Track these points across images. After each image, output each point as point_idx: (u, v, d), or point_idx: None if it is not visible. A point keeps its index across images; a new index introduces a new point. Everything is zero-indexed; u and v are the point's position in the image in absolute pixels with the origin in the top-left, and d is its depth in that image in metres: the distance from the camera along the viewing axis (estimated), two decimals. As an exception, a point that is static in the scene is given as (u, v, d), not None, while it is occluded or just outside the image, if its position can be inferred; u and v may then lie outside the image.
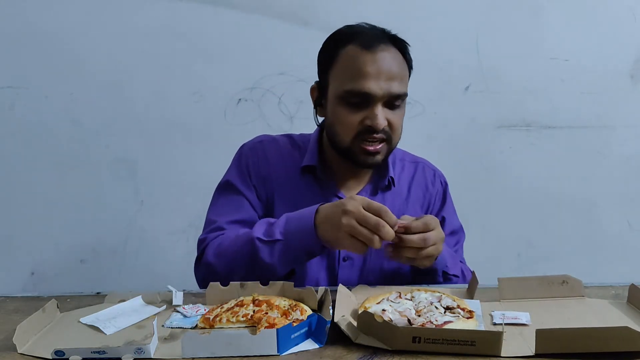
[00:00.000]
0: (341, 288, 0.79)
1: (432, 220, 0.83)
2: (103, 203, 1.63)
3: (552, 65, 1.64)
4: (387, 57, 0.91)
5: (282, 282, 0.80)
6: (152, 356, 0.63)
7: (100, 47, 1.58)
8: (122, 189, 1.63)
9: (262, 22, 1.59)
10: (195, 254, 1.01)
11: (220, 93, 1.62)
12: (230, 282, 0.81)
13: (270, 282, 0.80)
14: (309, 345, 0.65)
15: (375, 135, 0.92)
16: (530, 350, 0.61)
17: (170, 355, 0.63)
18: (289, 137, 1.10)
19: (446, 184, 1.13)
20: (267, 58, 1.61)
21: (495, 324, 0.72)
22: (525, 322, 0.70)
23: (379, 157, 0.95)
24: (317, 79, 1.02)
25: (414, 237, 0.81)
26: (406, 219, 0.83)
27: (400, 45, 0.95)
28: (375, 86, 0.89)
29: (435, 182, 1.11)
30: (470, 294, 0.82)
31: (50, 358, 0.62)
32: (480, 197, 1.66)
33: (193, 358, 0.62)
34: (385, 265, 1.01)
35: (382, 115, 0.91)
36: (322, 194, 1.00)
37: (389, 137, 0.95)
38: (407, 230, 0.81)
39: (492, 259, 1.67)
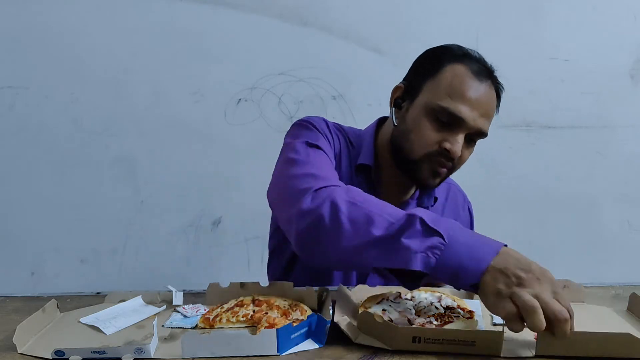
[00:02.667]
0: (341, 288, 0.79)
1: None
2: (103, 203, 1.63)
3: (552, 65, 1.65)
4: (489, 94, 0.88)
5: (282, 282, 0.80)
6: (152, 356, 0.62)
7: (100, 47, 1.58)
8: (122, 189, 1.63)
9: (262, 22, 1.59)
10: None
11: (220, 93, 1.62)
12: (230, 282, 0.81)
13: (270, 282, 0.80)
14: (309, 345, 0.65)
15: (446, 161, 0.89)
16: (531, 351, 0.61)
17: (170, 355, 0.63)
18: (341, 126, 1.01)
19: (472, 212, 1.13)
20: (267, 58, 1.61)
21: (495, 324, 0.72)
22: None
23: (438, 181, 0.92)
24: (404, 81, 0.96)
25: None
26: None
27: (498, 89, 0.92)
28: (470, 115, 0.86)
29: (464, 207, 1.11)
30: (470, 294, 0.82)
31: (50, 358, 0.62)
32: (480, 197, 1.66)
33: (193, 358, 0.62)
34: None
35: (461, 145, 0.87)
36: None
37: (453, 169, 0.92)
38: None
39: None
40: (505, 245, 0.66)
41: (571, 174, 1.69)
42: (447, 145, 0.87)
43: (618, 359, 0.59)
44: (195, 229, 1.65)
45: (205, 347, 0.62)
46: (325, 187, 0.75)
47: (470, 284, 0.64)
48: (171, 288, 0.82)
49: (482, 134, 0.89)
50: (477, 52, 0.92)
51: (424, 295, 0.78)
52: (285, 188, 0.81)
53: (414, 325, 0.67)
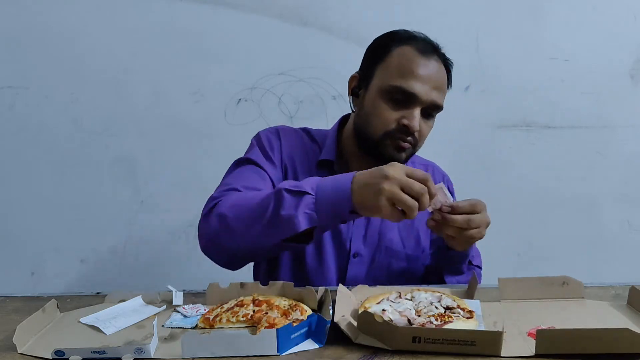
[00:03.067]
0: (341, 288, 0.79)
1: (479, 203, 0.85)
2: (103, 203, 1.63)
3: (552, 65, 1.64)
4: (437, 68, 0.94)
5: (282, 282, 0.80)
6: (152, 356, 0.62)
7: (100, 47, 1.58)
8: (122, 189, 1.63)
9: (262, 22, 1.59)
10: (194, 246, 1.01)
11: (220, 93, 1.62)
12: (230, 282, 0.81)
13: (270, 282, 0.80)
14: (309, 345, 0.65)
15: (406, 137, 0.94)
16: (531, 351, 0.61)
17: (170, 355, 0.63)
18: (307, 130, 1.10)
19: (453, 190, 1.16)
20: (267, 58, 1.61)
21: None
22: None
23: (404, 156, 0.97)
24: (359, 69, 1.03)
25: (459, 218, 0.82)
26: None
27: (447, 64, 0.98)
28: (422, 89, 0.91)
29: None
30: (470, 294, 0.82)
31: (50, 358, 0.62)
32: (480, 197, 1.65)
33: (193, 358, 0.62)
34: (394, 264, 1.03)
35: (418, 119, 0.92)
36: None
37: (415, 144, 0.96)
38: (453, 209, 0.82)
39: (492, 259, 1.66)
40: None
41: (571, 174, 1.69)
42: (405, 121, 0.93)
43: (617, 355, 0.59)
44: (195, 228, 1.63)
45: (205, 347, 0.62)
46: (218, 201, 0.89)
47: (349, 212, 0.79)
48: (171, 288, 0.82)
49: (437, 106, 0.95)
50: (423, 33, 0.98)
51: (424, 295, 0.78)
52: None
53: (414, 325, 0.67)
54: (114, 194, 1.63)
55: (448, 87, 1.00)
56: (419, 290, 0.80)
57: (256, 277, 1.13)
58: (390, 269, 1.02)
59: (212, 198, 0.93)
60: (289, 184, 0.82)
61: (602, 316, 0.74)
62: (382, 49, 0.97)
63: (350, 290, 0.82)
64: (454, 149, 1.64)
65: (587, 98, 1.66)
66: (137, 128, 1.62)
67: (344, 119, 1.09)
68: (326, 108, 1.64)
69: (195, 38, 1.59)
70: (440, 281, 1.00)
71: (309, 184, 0.81)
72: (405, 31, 0.98)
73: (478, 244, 1.12)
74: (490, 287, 0.82)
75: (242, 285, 0.81)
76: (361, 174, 0.80)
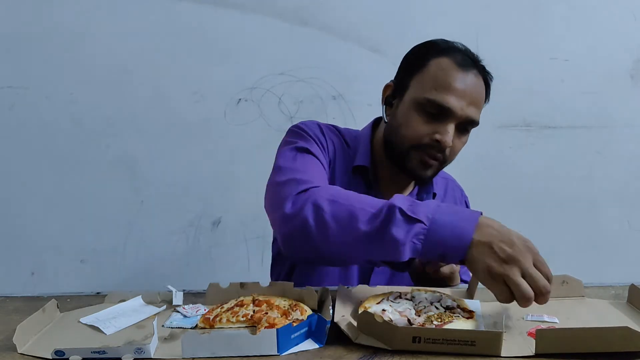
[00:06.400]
0: (341, 288, 0.79)
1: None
2: (103, 203, 1.63)
3: (552, 65, 1.65)
4: (476, 83, 0.90)
5: (282, 282, 0.80)
6: (152, 356, 0.62)
7: (100, 47, 1.58)
8: (122, 189, 1.63)
9: (262, 22, 1.60)
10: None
11: (220, 93, 1.62)
12: (230, 282, 0.81)
13: (270, 282, 0.80)
14: (309, 345, 0.65)
15: (437, 152, 0.90)
16: (531, 350, 0.61)
17: (170, 355, 0.63)
18: (336, 128, 1.04)
19: (469, 204, 1.15)
20: (267, 58, 1.61)
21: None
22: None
23: (429, 173, 0.94)
24: (393, 79, 0.99)
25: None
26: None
27: (486, 78, 0.94)
28: (457, 104, 0.87)
29: (462, 201, 1.13)
30: (470, 294, 0.82)
31: (50, 358, 0.62)
32: (480, 197, 1.66)
33: (193, 358, 0.62)
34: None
35: (452, 135, 0.89)
36: None
37: (445, 160, 0.93)
38: None
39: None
40: (481, 213, 0.71)
41: (571, 174, 1.69)
42: (438, 136, 0.89)
43: (617, 353, 0.59)
44: (195, 229, 1.65)
45: (205, 347, 0.62)
46: (306, 189, 0.78)
47: (458, 261, 0.69)
48: (171, 288, 0.82)
49: (473, 122, 0.91)
50: (462, 44, 0.94)
51: (424, 295, 0.77)
52: (271, 195, 0.85)
53: (414, 325, 0.67)
54: (114, 194, 1.63)
55: (486, 100, 0.95)
56: (419, 290, 0.80)
57: (273, 277, 1.11)
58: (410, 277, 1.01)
59: (296, 180, 0.81)
60: (404, 202, 0.70)
61: (602, 314, 0.74)
62: (419, 59, 0.93)
63: (350, 290, 0.82)
64: (454, 149, 1.64)
65: (587, 98, 1.66)
66: (137, 128, 1.62)
67: (376, 123, 1.05)
68: (326, 108, 1.64)
69: (196, 38, 1.59)
70: None
71: (424, 211, 0.69)
72: (445, 41, 0.94)
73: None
74: (491, 287, 0.82)
75: (242, 285, 0.81)
76: (488, 225, 0.68)
